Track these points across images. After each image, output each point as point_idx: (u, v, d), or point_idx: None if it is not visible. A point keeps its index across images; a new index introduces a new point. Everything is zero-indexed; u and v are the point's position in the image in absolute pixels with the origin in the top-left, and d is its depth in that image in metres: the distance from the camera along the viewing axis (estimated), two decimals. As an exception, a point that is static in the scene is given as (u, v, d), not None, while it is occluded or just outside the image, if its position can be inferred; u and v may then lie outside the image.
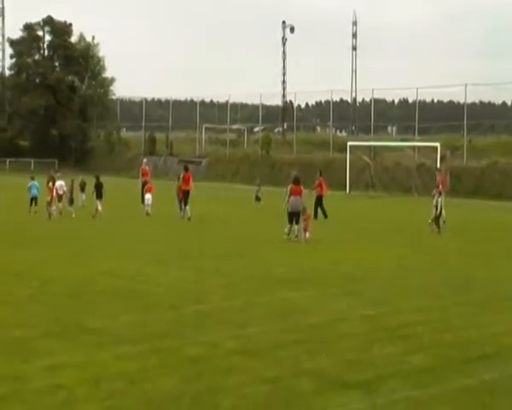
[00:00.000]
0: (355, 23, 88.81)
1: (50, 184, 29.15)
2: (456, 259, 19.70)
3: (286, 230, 22.93)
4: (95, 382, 8.32)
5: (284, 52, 79.73)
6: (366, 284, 15.23)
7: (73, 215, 29.04)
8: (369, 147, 57.76)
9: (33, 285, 14.10)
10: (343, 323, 11.55)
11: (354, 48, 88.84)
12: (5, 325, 10.89)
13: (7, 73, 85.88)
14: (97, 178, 30.13)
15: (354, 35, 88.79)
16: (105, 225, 26.45)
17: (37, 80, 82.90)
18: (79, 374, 8.61)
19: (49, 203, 28.56)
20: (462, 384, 8.53)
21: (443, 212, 26.40)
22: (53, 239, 22.32)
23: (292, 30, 79.25)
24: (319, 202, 30.33)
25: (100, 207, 28.77)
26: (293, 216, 22.88)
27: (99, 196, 29.30)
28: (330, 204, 30.20)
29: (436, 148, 50.13)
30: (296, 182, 23.25)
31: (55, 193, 29.11)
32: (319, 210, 30.15)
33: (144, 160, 38.74)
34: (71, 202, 30.93)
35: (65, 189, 30.16)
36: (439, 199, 26.08)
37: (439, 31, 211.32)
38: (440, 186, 28.21)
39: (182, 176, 30.29)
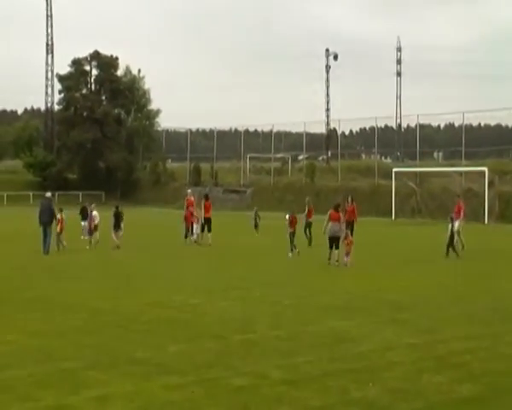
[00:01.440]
0: (399, 49, 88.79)
1: (59, 215, 29.04)
2: (505, 285, 19.38)
3: (328, 255, 23.51)
4: (143, 412, 8.40)
5: (328, 79, 79.93)
6: (413, 311, 15.09)
7: (115, 248, 28.85)
8: (415, 173, 57.38)
9: (82, 317, 14.28)
10: (391, 352, 11.45)
11: (399, 74, 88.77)
12: (55, 356, 11.04)
13: (56, 108, 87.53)
14: (117, 208, 30.37)
15: (398, 61, 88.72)
16: (150, 256, 26.67)
17: (85, 114, 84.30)
18: (128, 405, 8.70)
19: (59, 235, 28.73)
20: (513, 414, 8.40)
21: (460, 237, 27.12)
22: (97, 270, 22.56)
23: (335, 57, 79.38)
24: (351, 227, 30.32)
25: (115, 238, 29.15)
26: (333, 241, 23.56)
27: (117, 226, 29.56)
28: (375, 231, 30.03)
29: (484, 172, 49.60)
30: (336, 208, 24.11)
31: (93, 223, 30.08)
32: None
33: (189, 190, 39.03)
34: (94, 230, 30.58)
35: (98, 220, 30.61)
36: (450, 225, 26.18)
37: (484, 54, 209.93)
38: (461, 213, 28.56)
39: (203, 204, 31.61)
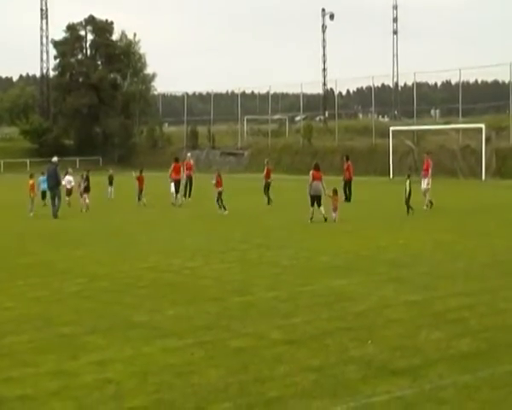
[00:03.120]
0: (395, 7, 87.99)
1: (31, 181, 30.18)
2: (502, 241, 19.40)
3: (310, 214, 24.30)
4: (142, 375, 8.43)
5: (324, 40, 79.39)
6: (410, 269, 15.13)
7: (83, 210, 30.19)
8: (412, 131, 57.20)
9: (80, 282, 14.31)
10: (389, 309, 11.49)
11: (395, 32, 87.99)
12: (54, 322, 11.08)
13: (51, 74, 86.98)
14: (87, 171, 32.29)
15: (395, 19, 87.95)
16: (148, 220, 26.67)
17: (81, 80, 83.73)
18: (127, 368, 8.74)
19: (32, 199, 29.82)
20: (511, 368, 8.43)
21: (427, 195, 27.97)
22: (95, 236, 22.56)
23: (331, 17, 78.76)
24: (348, 185, 32.44)
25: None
26: (315, 199, 24.47)
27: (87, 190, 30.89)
28: (374, 190, 30.03)
29: (481, 129, 49.45)
30: (317, 168, 25.10)
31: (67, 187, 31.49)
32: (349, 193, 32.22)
33: (188, 154, 39.15)
34: (80, 194, 31.36)
35: (73, 184, 31.84)
36: (408, 182, 26.59)
37: (480, 9, 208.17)
38: (429, 170, 29.15)
39: (172, 166, 33.45)
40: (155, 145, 77.82)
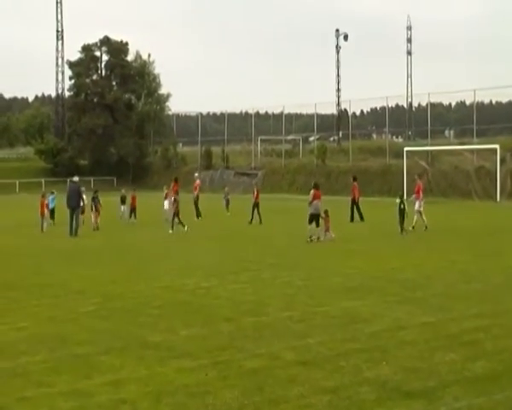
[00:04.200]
0: (409, 28, 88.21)
1: (42, 199, 31.46)
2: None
3: (308, 232, 24.87)
4: (156, 396, 8.43)
5: (338, 60, 79.64)
6: (425, 290, 15.07)
7: (94, 229, 30.68)
8: (427, 152, 57.11)
9: (94, 302, 14.34)
10: (403, 331, 11.44)
11: (409, 53, 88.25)
12: (68, 342, 11.10)
13: (66, 94, 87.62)
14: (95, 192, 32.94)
15: (409, 40, 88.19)
16: (162, 240, 26.72)
17: (96, 100, 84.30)
18: (141, 389, 8.73)
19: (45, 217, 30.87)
20: (527, 391, 8.38)
21: (422, 217, 28.16)
22: (109, 255, 22.62)
23: (346, 38, 79.06)
24: (355, 205, 33.08)
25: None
26: (315, 218, 25.12)
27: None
28: (388, 210, 29.96)
29: (495, 150, 49.30)
30: (317, 187, 25.98)
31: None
32: (356, 214, 32.87)
33: (196, 174, 39.85)
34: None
35: (85, 202, 32.03)
36: (399, 201, 27.00)
37: (494, 30, 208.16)
38: (420, 193, 29.28)
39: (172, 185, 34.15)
40: (169, 165, 78.03)
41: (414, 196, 29.46)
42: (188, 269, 18.89)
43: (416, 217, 28.27)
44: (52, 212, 33.34)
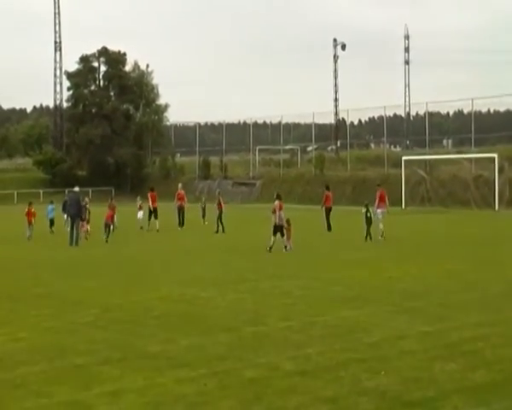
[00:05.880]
0: (407, 37, 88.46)
1: (29, 208, 32.29)
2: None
3: (271, 243, 25.16)
4: (155, 406, 8.40)
5: (336, 70, 79.79)
6: (424, 299, 15.05)
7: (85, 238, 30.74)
8: (425, 161, 57.20)
9: (93, 312, 14.31)
10: (403, 340, 11.42)
11: (407, 62, 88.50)
12: (67, 352, 11.06)
13: (64, 105, 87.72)
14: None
15: (406, 49, 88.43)
16: (160, 250, 26.70)
17: (94, 110, 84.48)
18: (140, 399, 8.70)
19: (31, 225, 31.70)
20: (527, 400, 8.36)
21: (381, 226, 28.40)
22: (108, 266, 22.60)
23: (343, 47, 79.28)
24: (328, 214, 33.83)
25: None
26: (279, 229, 25.67)
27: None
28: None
29: (493, 159, 49.41)
30: (279, 198, 26.48)
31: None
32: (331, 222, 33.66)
33: (180, 184, 40.31)
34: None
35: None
36: (365, 210, 28.04)
37: (492, 40, 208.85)
38: (386, 201, 29.70)
39: (149, 195, 36.75)
40: (168, 175, 78.10)
41: (379, 203, 29.14)
42: (186, 279, 18.85)
43: (381, 225, 28.32)
44: (51, 222, 33.50)
